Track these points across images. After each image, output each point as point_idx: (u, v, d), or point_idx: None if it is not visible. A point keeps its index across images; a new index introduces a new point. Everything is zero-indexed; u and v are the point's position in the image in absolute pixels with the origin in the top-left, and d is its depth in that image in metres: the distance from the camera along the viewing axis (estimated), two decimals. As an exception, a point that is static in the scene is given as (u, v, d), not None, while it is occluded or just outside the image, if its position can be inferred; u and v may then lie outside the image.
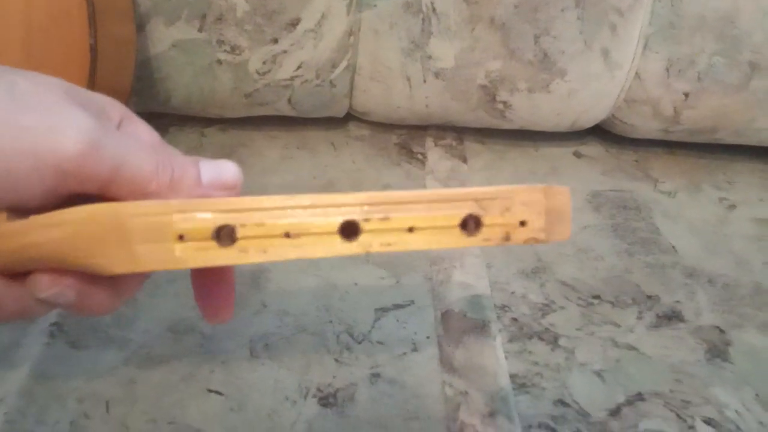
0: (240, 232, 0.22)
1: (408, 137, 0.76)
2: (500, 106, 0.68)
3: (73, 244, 0.22)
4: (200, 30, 0.59)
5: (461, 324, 0.53)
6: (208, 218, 0.22)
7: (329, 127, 0.75)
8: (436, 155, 0.74)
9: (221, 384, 0.46)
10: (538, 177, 0.73)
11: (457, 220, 0.23)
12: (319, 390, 0.46)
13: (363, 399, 0.46)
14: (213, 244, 0.22)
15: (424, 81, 0.66)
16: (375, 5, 0.61)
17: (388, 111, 0.71)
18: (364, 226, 0.23)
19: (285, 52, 0.62)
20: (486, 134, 0.78)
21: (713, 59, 0.66)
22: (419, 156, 0.73)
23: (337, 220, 0.22)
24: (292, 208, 0.22)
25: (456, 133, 0.78)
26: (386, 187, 0.68)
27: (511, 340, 0.52)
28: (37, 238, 0.22)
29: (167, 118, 0.72)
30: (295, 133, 0.74)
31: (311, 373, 0.47)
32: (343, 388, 0.46)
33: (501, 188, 0.24)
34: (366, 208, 0.23)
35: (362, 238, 0.23)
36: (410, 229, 0.23)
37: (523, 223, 0.24)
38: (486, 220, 0.24)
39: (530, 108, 0.68)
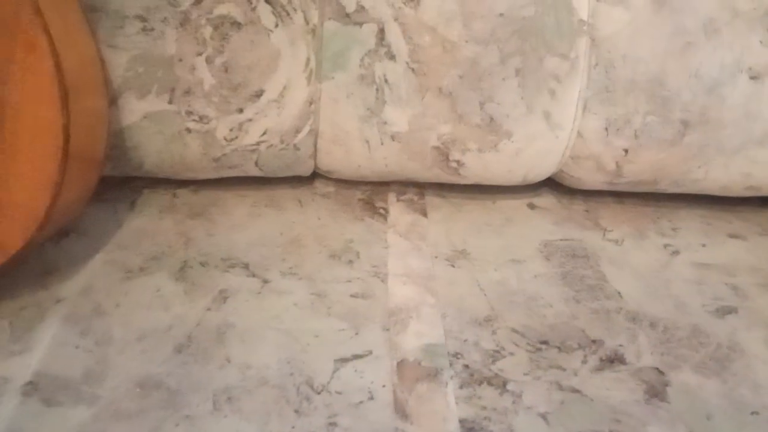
0: None
1: (372, 193, 0.81)
2: (454, 164, 0.73)
3: None
4: (170, 102, 0.64)
5: (415, 372, 0.56)
6: None
7: (297, 185, 0.80)
8: (397, 210, 0.78)
9: (186, 437, 0.49)
10: (493, 228, 0.77)
11: None
12: (278, 440, 0.49)
13: (320, 447, 0.49)
14: None
15: (382, 143, 0.71)
16: (333, 77, 0.67)
17: (350, 170, 0.75)
18: None
19: (250, 120, 0.67)
20: (446, 188, 0.83)
21: (647, 118, 0.72)
22: (381, 211, 0.78)
23: None
24: None
25: (417, 188, 0.82)
26: (349, 242, 0.72)
27: (462, 386, 0.55)
28: None
29: (141, 181, 0.76)
30: (264, 192, 0.78)
31: (271, 425, 0.50)
32: (300, 438, 0.49)
33: None
34: None
35: None
36: None
37: None
38: None
39: (482, 166, 0.74)
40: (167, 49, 0.62)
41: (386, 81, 0.66)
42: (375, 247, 0.71)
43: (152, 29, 0.61)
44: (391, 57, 0.64)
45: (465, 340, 0.60)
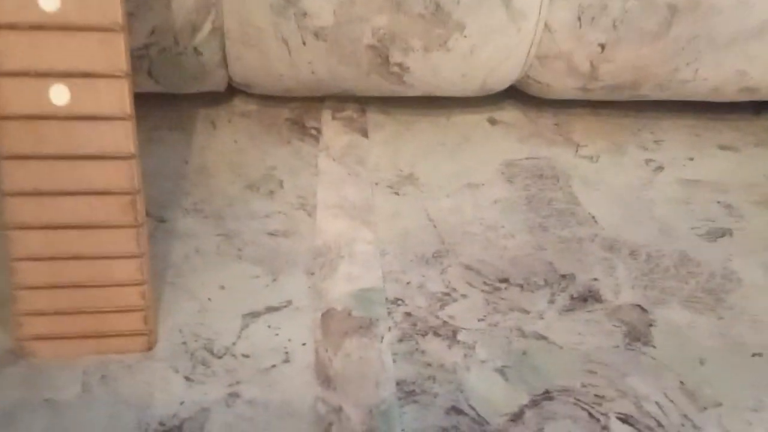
0: None
1: (302, 111, 0.67)
2: (396, 69, 0.60)
3: None
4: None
5: (344, 325, 0.45)
6: None
7: (211, 103, 0.66)
8: (332, 130, 0.65)
9: (43, 428, 0.37)
10: (447, 148, 0.65)
11: None
12: (161, 424, 0.38)
13: (215, 427, 0.38)
14: None
15: (304, 43, 0.57)
16: (233, -45, 0.52)
17: (270, 81, 0.62)
18: None
19: (131, 14, 0.53)
20: (391, 103, 0.70)
21: (628, 4, 0.59)
22: (313, 131, 0.65)
23: None
24: None
25: (358, 104, 0.69)
26: (271, 169, 0.59)
27: (401, 340, 0.45)
28: None
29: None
30: (169, 112, 0.64)
31: (154, 405, 0.39)
32: (190, 418, 0.38)
33: None
34: None
35: None
36: None
37: None
38: None
39: (430, 70, 0.61)
40: None
41: (299, -43, 0.52)
42: (302, 174, 0.59)
43: None
44: None
45: (408, 283, 0.49)
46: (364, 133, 0.66)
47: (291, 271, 0.49)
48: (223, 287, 0.47)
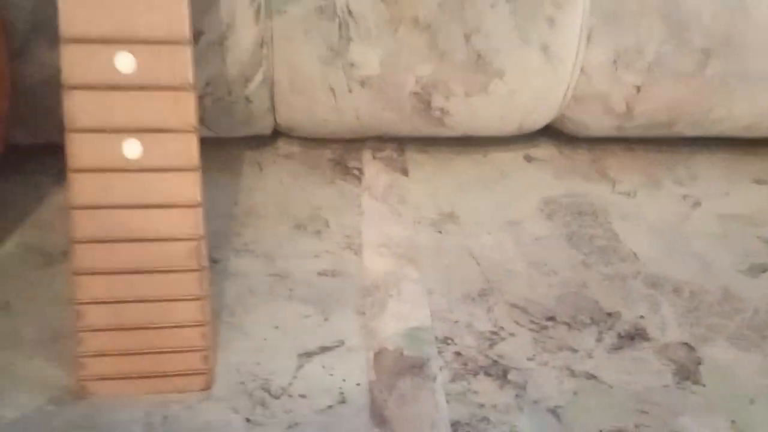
0: None
1: (344, 151, 0.70)
2: (437, 113, 0.62)
3: None
4: (85, 49, 0.53)
5: (396, 364, 0.46)
6: None
7: (256, 146, 0.69)
8: (373, 169, 0.67)
9: (109, 464, 0.39)
10: (485, 185, 0.67)
11: None
12: (224, 463, 0.39)
13: (278, 468, 0.39)
14: None
15: (350, 91, 0.59)
16: (285, 11, 0.55)
17: (315, 125, 0.64)
18: None
19: (188, 68, 0.56)
20: (429, 143, 0.72)
21: (663, 48, 0.61)
22: (355, 171, 0.67)
23: None
24: None
25: (397, 144, 0.71)
26: (317, 209, 0.61)
27: (453, 379, 0.46)
28: None
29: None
30: (217, 155, 0.67)
31: (216, 444, 0.40)
32: (253, 458, 0.40)
33: None
34: None
35: None
36: None
37: None
38: None
39: (470, 113, 0.63)
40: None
41: (350, 12, 0.54)
42: (347, 213, 0.61)
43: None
44: (352, -21, 0.53)
45: (456, 322, 0.50)
46: (404, 172, 0.67)
47: (341, 310, 0.51)
48: (277, 327, 0.49)
